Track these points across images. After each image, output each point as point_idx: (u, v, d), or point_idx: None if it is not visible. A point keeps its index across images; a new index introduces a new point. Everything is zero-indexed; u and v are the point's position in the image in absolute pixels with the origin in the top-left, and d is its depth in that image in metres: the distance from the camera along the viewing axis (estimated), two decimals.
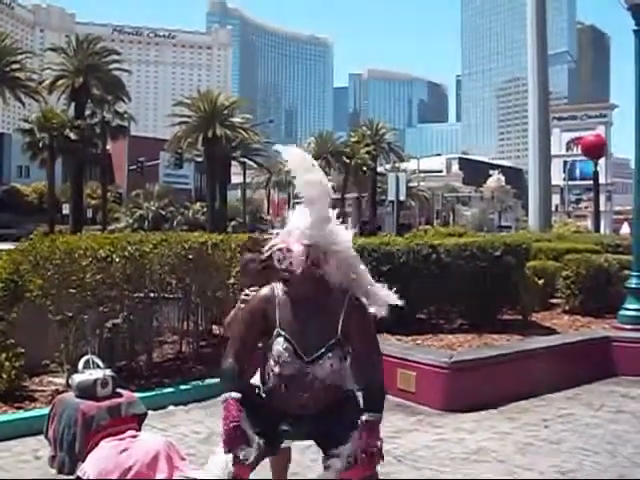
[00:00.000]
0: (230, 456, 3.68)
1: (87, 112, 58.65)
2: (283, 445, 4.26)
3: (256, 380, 4.12)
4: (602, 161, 55.16)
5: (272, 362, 3.75)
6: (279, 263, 3.75)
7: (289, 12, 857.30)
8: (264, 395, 3.92)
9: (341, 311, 3.71)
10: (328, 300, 3.72)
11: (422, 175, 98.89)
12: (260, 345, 3.94)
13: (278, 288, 3.84)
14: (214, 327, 9.90)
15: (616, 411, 8.07)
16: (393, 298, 3.95)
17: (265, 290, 3.88)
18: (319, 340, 3.69)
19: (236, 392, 3.69)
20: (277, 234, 3.87)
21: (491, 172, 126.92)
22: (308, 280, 3.71)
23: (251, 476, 3.76)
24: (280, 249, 3.75)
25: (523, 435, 7.05)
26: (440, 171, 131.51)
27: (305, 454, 5.78)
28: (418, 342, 9.27)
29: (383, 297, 3.91)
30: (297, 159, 4.06)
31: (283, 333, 3.71)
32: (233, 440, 3.64)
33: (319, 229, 3.71)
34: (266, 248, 3.88)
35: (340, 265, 3.76)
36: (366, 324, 3.80)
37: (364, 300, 3.84)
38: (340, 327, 3.71)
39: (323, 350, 3.68)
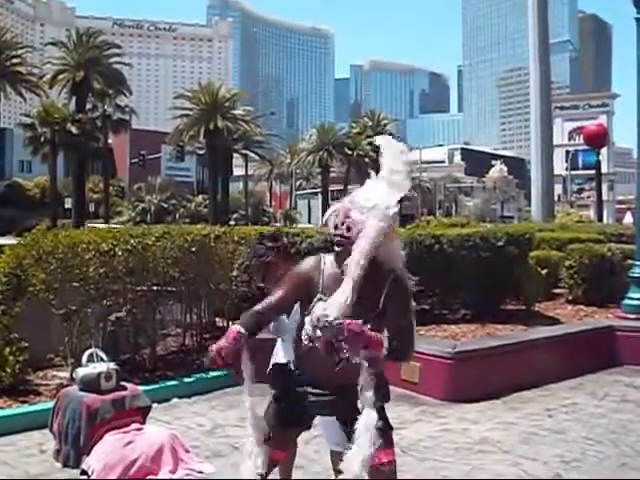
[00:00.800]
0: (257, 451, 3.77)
1: (88, 106, 58.66)
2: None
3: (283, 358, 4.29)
4: (604, 150, 55.16)
5: (310, 326, 3.64)
6: (335, 229, 3.72)
7: (290, 3, 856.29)
8: (295, 367, 3.94)
9: (384, 287, 3.68)
10: (373, 274, 3.65)
11: (424, 166, 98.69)
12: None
13: (325, 258, 3.83)
14: (217, 319, 9.91)
15: (620, 400, 8.08)
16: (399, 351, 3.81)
17: (312, 259, 3.88)
18: (359, 311, 3.59)
19: (244, 327, 3.67)
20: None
21: (493, 162, 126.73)
22: None
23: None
24: (338, 214, 3.73)
25: (527, 425, 7.06)
26: (442, 162, 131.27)
27: (309, 446, 5.79)
28: (422, 333, 9.27)
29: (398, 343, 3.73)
30: (392, 145, 3.99)
31: (325, 298, 3.66)
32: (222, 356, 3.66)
33: (382, 210, 3.70)
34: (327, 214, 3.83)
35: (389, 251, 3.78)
36: (406, 302, 3.76)
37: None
38: (381, 303, 3.68)
39: (361, 322, 3.55)
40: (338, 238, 3.72)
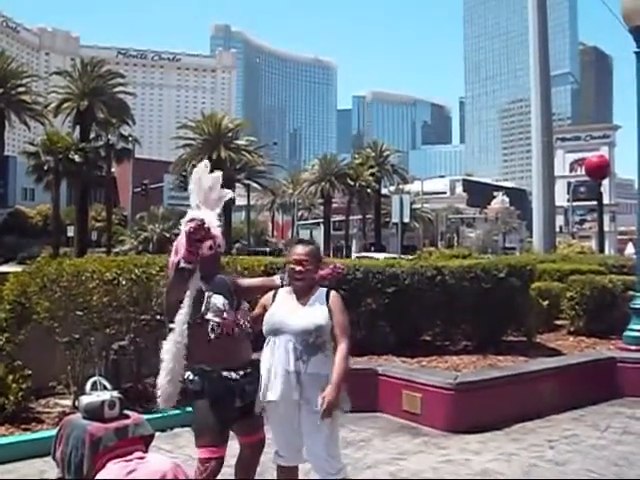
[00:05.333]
0: None
1: (92, 135, 58.85)
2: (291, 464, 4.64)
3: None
4: (606, 182, 55.20)
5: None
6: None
7: (293, 35, 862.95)
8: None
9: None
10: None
11: (426, 197, 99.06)
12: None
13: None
14: None
15: (622, 432, 8.06)
16: None
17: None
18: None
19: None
20: None
21: (495, 193, 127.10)
22: None
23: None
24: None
25: (528, 456, 7.05)
26: (444, 193, 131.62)
27: (310, 475, 5.79)
28: (423, 364, 9.29)
29: None
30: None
31: (211, 294, 4.84)
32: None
33: None
34: None
35: None
36: None
37: None
38: None
39: None
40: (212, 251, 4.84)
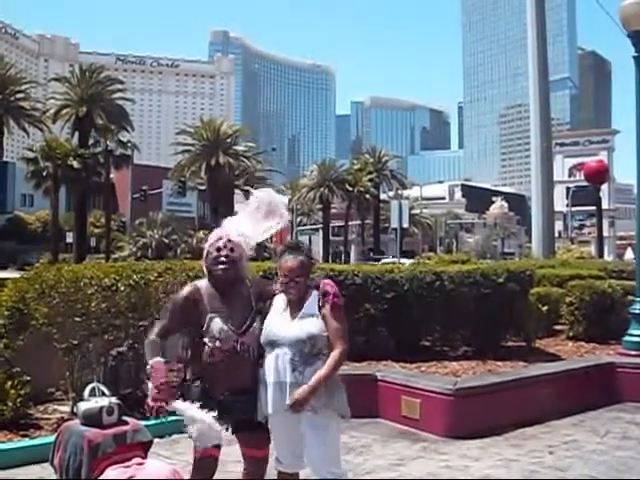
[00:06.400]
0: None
1: (91, 141, 58.83)
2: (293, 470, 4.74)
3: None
4: (605, 187, 55.27)
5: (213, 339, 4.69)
6: (218, 250, 4.79)
7: (291, 41, 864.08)
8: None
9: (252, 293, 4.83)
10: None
11: (425, 202, 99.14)
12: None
13: (200, 284, 4.85)
14: None
15: (622, 437, 8.04)
16: None
17: (188, 287, 4.86)
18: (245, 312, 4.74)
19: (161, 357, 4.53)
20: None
21: (494, 199, 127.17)
22: None
23: None
24: (221, 238, 4.98)
25: (528, 462, 7.03)
26: (443, 198, 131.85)
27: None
28: (422, 369, 9.26)
29: None
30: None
31: (215, 315, 4.65)
32: (163, 394, 4.70)
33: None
34: None
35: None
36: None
37: None
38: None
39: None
40: (223, 258, 4.67)
